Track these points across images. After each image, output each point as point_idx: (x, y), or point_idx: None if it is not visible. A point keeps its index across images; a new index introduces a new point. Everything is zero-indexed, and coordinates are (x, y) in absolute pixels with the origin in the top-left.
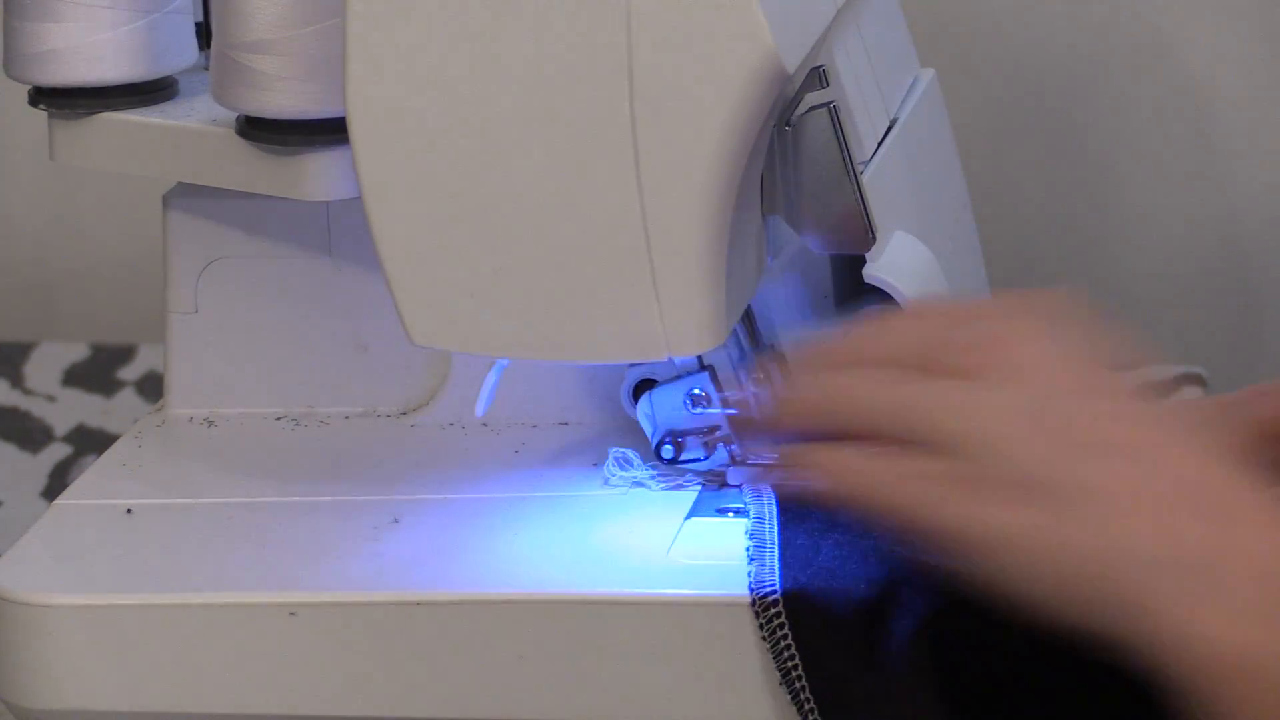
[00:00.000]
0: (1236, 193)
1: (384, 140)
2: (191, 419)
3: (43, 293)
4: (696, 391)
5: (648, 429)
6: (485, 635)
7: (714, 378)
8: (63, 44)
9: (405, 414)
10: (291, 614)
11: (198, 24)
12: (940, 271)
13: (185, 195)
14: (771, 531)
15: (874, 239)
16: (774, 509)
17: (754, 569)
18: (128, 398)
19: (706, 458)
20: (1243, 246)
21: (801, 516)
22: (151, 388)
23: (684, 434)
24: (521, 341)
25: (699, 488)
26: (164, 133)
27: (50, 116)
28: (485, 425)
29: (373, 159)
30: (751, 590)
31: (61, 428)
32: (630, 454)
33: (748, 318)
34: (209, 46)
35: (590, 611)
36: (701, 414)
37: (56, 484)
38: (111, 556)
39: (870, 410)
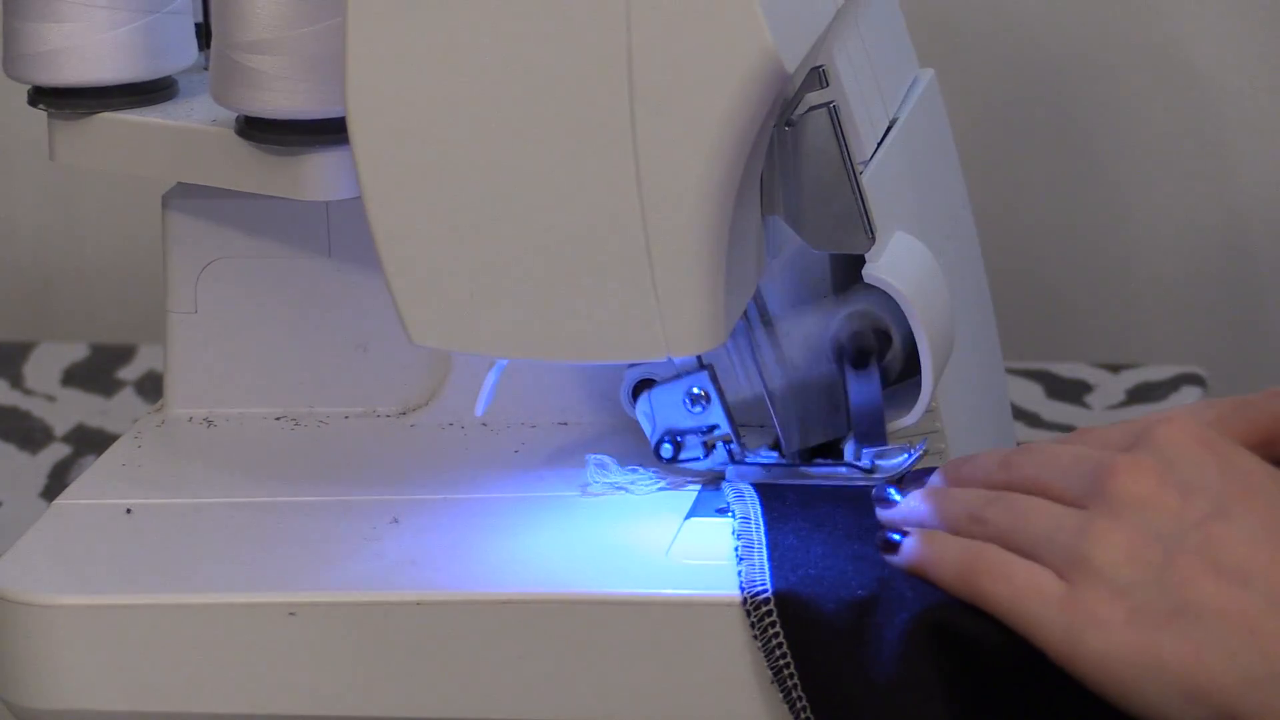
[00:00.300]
0: (1236, 193)
1: (384, 140)
2: (191, 419)
3: (42, 293)
4: (696, 391)
5: (647, 428)
6: (485, 635)
7: (713, 377)
8: (62, 44)
9: (405, 414)
10: (291, 614)
11: (197, 24)
12: (939, 271)
13: (185, 195)
14: (759, 532)
15: (873, 239)
16: (759, 509)
17: (744, 569)
18: (127, 398)
19: (706, 457)
20: (1242, 247)
21: (787, 517)
22: (151, 388)
23: (683, 433)
24: (521, 341)
25: (698, 488)
26: (164, 133)
27: (50, 117)
28: (485, 425)
29: (372, 159)
30: (743, 590)
31: (61, 428)
32: (606, 459)
33: (746, 317)
34: (209, 46)
35: (590, 611)
36: (701, 413)
37: (56, 484)
38: (111, 557)
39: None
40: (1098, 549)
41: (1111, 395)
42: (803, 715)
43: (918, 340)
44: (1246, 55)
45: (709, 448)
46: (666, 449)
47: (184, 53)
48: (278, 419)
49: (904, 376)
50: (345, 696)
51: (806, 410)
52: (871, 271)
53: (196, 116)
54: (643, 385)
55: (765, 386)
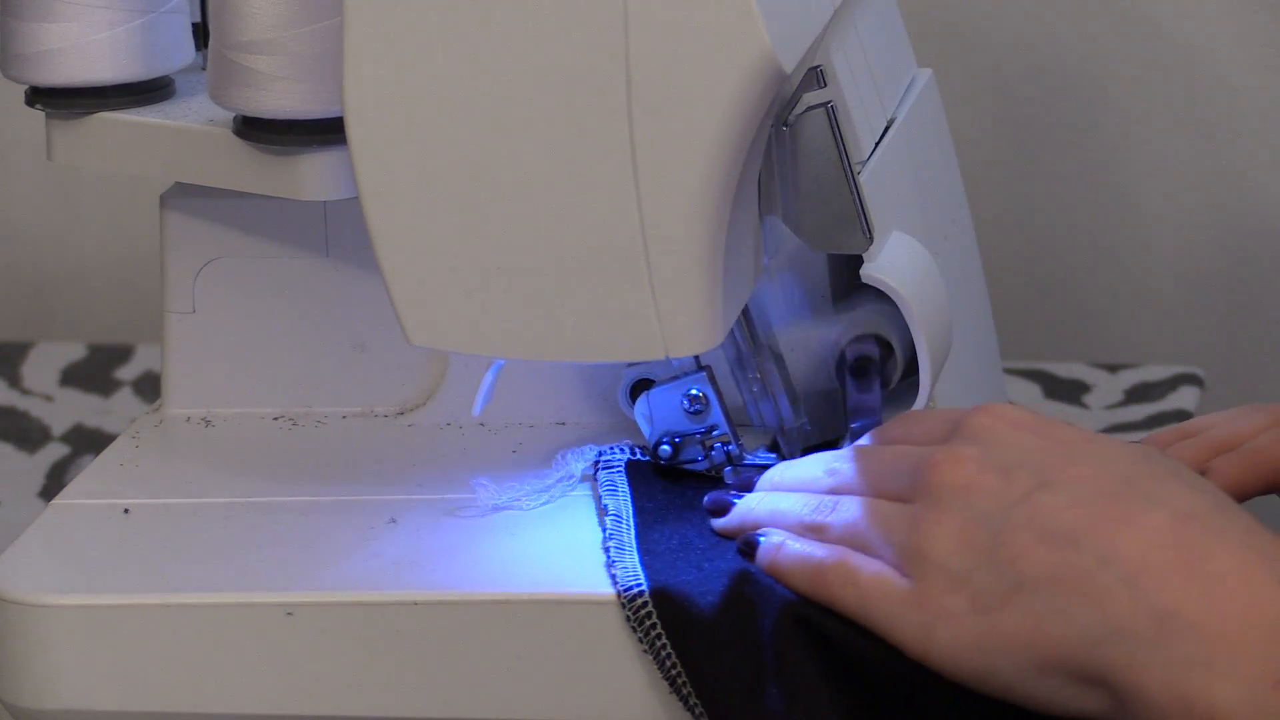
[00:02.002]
0: (1235, 193)
1: (381, 140)
2: (189, 419)
3: (40, 292)
4: (694, 392)
5: (645, 430)
6: (483, 635)
7: (711, 378)
8: (60, 44)
9: (402, 414)
10: (289, 614)
11: (195, 24)
12: (937, 271)
13: (182, 195)
14: (630, 533)
15: (871, 239)
16: (630, 507)
17: (619, 573)
18: (125, 398)
19: (704, 458)
20: (1241, 247)
21: (660, 512)
22: (149, 388)
23: (682, 435)
24: (519, 341)
25: (586, 489)
26: (161, 133)
27: (47, 117)
28: (482, 425)
29: (370, 159)
30: (618, 591)
31: (59, 427)
32: (485, 480)
33: (745, 317)
34: (206, 46)
35: (589, 611)
36: (699, 415)
37: (54, 484)
38: (109, 557)
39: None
40: (931, 542)
41: (1110, 395)
42: (696, 710)
43: (915, 340)
44: (1246, 55)
45: (707, 449)
46: (665, 450)
47: (181, 52)
48: (276, 419)
49: (902, 376)
50: (343, 696)
51: (805, 410)
52: (869, 271)
53: (194, 116)
54: (641, 385)
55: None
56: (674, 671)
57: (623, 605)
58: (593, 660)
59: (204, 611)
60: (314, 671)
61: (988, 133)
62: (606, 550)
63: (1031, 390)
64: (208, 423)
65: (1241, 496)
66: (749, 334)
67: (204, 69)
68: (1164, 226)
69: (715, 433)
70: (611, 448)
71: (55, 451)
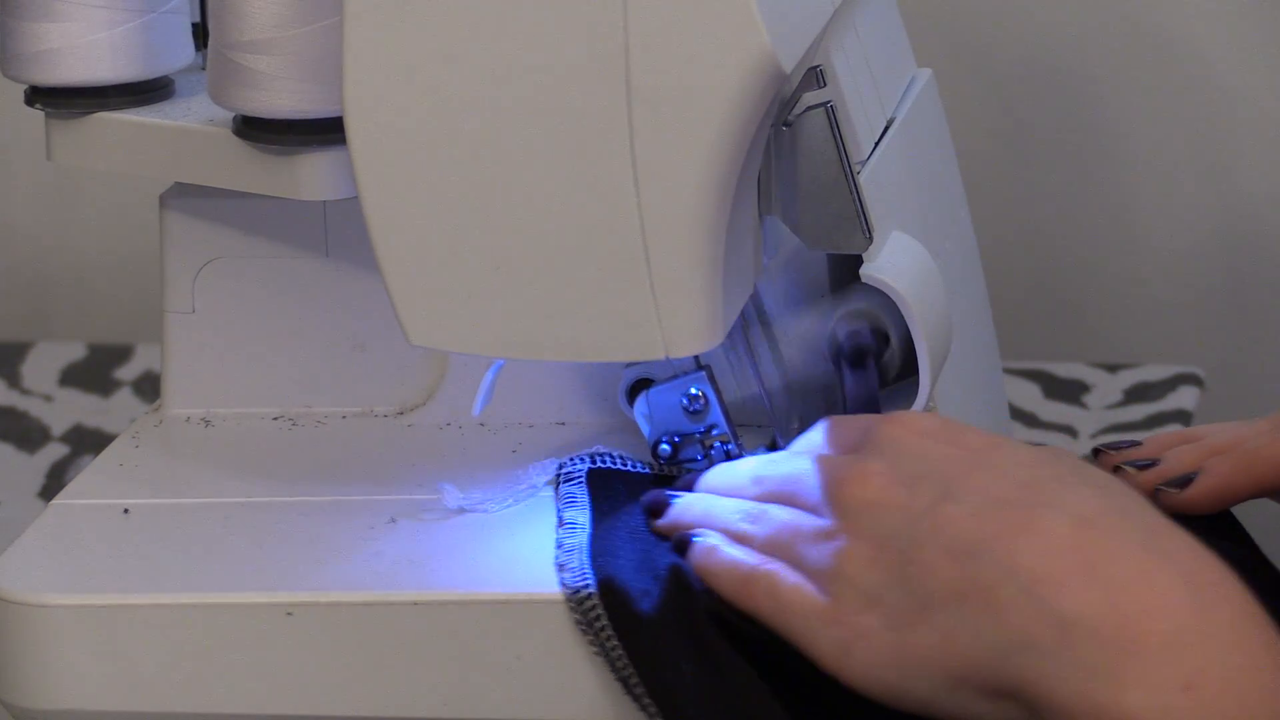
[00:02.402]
0: (1235, 193)
1: (381, 140)
2: (189, 419)
3: (40, 292)
4: (694, 391)
5: (645, 429)
6: (482, 635)
7: (711, 378)
8: (59, 44)
9: (402, 414)
10: (288, 614)
11: (194, 24)
12: (937, 271)
13: (182, 195)
14: (584, 538)
15: (870, 239)
16: (589, 515)
17: (567, 576)
18: (125, 397)
19: (703, 458)
20: (1241, 247)
21: (619, 518)
22: (148, 387)
23: (681, 434)
24: (518, 341)
25: (550, 492)
26: (161, 132)
27: (47, 116)
28: (482, 425)
29: (370, 159)
30: (564, 587)
31: (58, 427)
32: (450, 486)
33: (744, 317)
34: (206, 46)
35: None
36: (699, 414)
37: (54, 484)
38: (108, 556)
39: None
40: (845, 561)
41: (1109, 395)
42: (643, 700)
43: (915, 340)
44: (1246, 55)
45: (707, 448)
46: (664, 449)
47: (181, 52)
48: (275, 419)
49: (902, 376)
50: (342, 696)
51: (804, 410)
52: (869, 271)
53: (194, 116)
54: (640, 385)
55: (763, 387)
56: (625, 672)
57: (571, 606)
58: (593, 660)
59: (204, 611)
60: (314, 671)
61: (988, 133)
62: (557, 555)
63: (1031, 390)
64: (208, 423)
65: (1234, 498)
66: (748, 334)
67: (204, 69)
68: (1164, 227)
69: (715, 432)
70: (573, 458)
71: (55, 451)
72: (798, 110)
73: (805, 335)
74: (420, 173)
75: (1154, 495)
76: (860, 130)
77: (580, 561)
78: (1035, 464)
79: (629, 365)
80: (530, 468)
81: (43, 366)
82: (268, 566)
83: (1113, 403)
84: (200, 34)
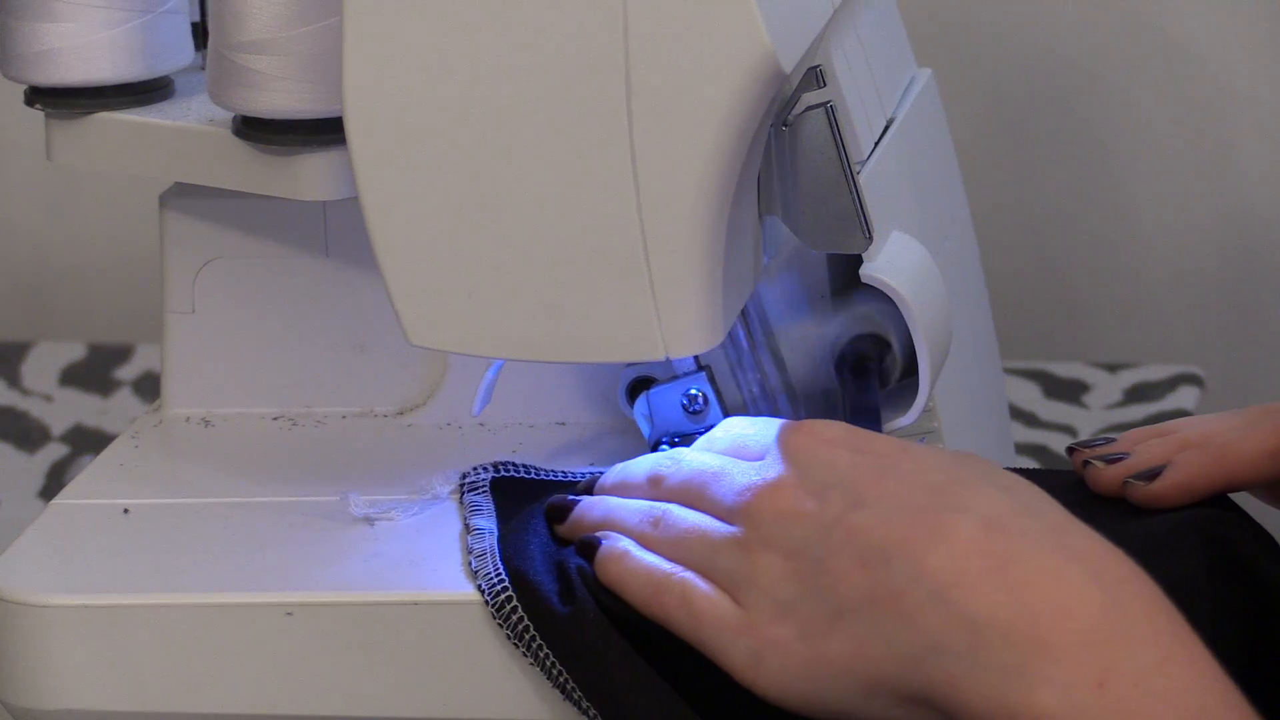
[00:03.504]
0: (1235, 192)
1: (381, 140)
2: (188, 419)
3: (40, 292)
4: (694, 392)
5: (645, 429)
6: (482, 636)
7: (711, 378)
8: (59, 44)
9: (402, 414)
10: (288, 614)
11: (194, 24)
12: (937, 271)
13: (182, 195)
14: (493, 542)
15: (870, 239)
16: (494, 523)
17: (482, 582)
18: (125, 398)
19: None
20: (1241, 247)
21: (525, 523)
22: (148, 387)
23: (681, 435)
24: (518, 341)
25: (457, 499)
26: (161, 133)
27: (47, 116)
28: (482, 425)
29: (370, 159)
30: (484, 595)
31: (59, 427)
32: (354, 495)
33: (745, 317)
34: (206, 46)
35: None
36: (699, 415)
37: (53, 484)
38: (108, 557)
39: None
40: (757, 572)
41: (1109, 395)
42: (573, 694)
43: (915, 340)
44: (1247, 55)
45: None
46: (665, 449)
47: (180, 52)
48: (275, 419)
49: (902, 376)
50: (342, 696)
51: (805, 411)
52: (869, 271)
53: (193, 116)
54: (639, 385)
55: (763, 388)
56: (558, 675)
57: (491, 608)
58: None
59: (203, 611)
60: (314, 671)
61: (988, 133)
62: (472, 561)
63: (1031, 390)
64: (207, 423)
65: (1203, 491)
66: (749, 334)
67: (204, 69)
68: (1164, 226)
69: None
70: (475, 468)
71: (55, 451)
72: (798, 110)
73: (806, 337)
74: (420, 173)
75: (1122, 489)
76: (860, 130)
77: (494, 565)
78: (944, 468)
79: (629, 365)
80: (434, 477)
81: (43, 366)
82: (267, 566)
83: (1113, 403)
84: (200, 34)
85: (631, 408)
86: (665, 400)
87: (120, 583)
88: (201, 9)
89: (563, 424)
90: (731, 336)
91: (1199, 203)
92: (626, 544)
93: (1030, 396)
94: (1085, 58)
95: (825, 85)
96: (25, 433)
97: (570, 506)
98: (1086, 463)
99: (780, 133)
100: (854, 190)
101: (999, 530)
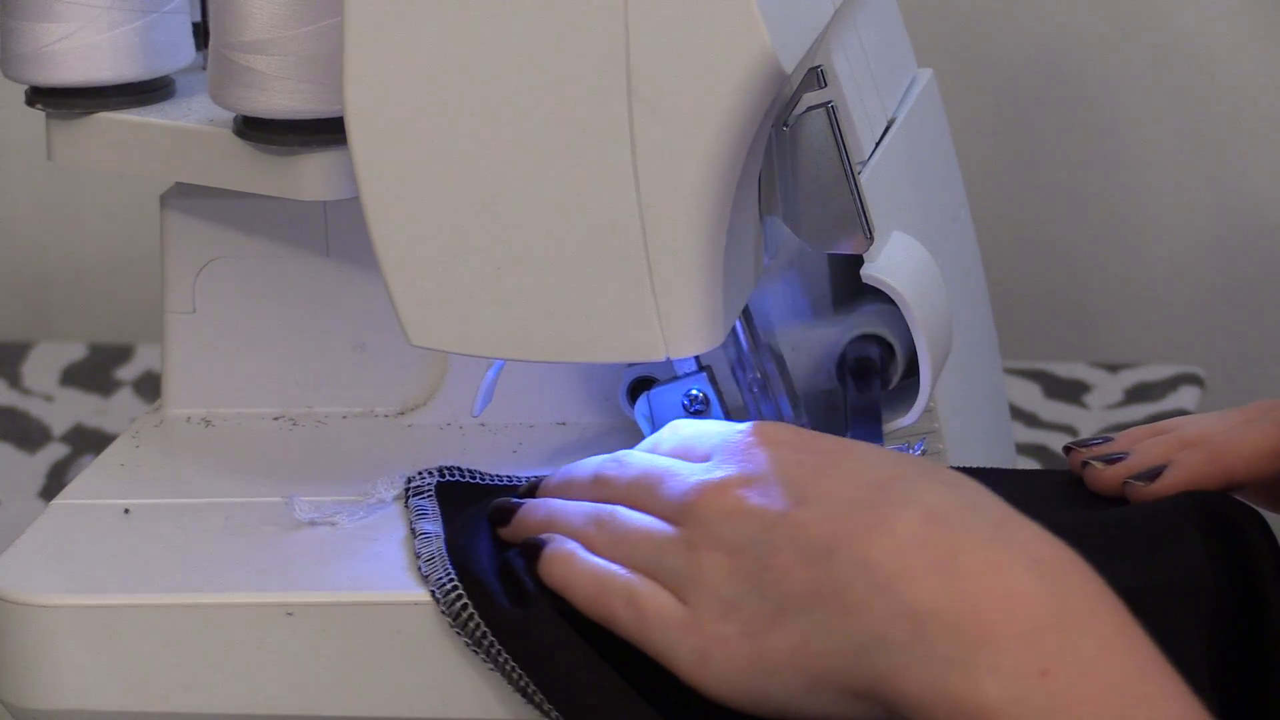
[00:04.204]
0: (1235, 193)
1: (382, 140)
2: (189, 419)
3: (40, 292)
4: (694, 392)
5: (646, 430)
6: None
7: (711, 378)
8: (60, 44)
9: (403, 414)
10: (289, 614)
11: (194, 24)
12: (938, 271)
13: (183, 195)
14: (440, 545)
15: (871, 239)
16: (440, 528)
17: (435, 590)
18: (125, 397)
19: None
20: (1242, 247)
21: (472, 527)
22: (149, 387)
23: None
24: (519, 342)
25: (403, 502)
26: (161, 133)
27: (47, 116)
28: (483, 425)
29: (370, 159)
30: (436, 596)
31: (59, 427)
32: (298, 499)
33: (745, 317)
34: (206, 46)
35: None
36: (700, 415)
37: (54, 484)
38: (109, 557)
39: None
40: (703, 571)
41: (1110, 395)
42: (527, 689)
43: (916, 340)
44: (1247, 55)
45: None
46: None
47: (181, 52)
48: (276, 419)
49: (902, 376)
50: (342, 696)
51: (806, 411)
52: (869, 271)
53: (194, 116)
54: (640, 385)
55: (764, 388)
56: (518, 678)
57: (446, 614)
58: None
59: (204, 611)
60: (314, 671)
61: (988, 133)
62: (421, 566)
63: (1031, 390)
64: (208, 423)
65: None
66: (749, 334)
67: (204, 69)
68: (1164, 226)
69: None
70: (421, 472)
71: (55, 451)
72: (798, 110)
73: (807, 337)
74: (420, 173)
75: (1122, 489)
76: (861, 130)
77: (444, 568)
78: (886, 465)
79: (629, 365)
80: (378, 482)
81: (43, 366)
82: (268, 566)
83: (1113, 403)
84: (200, 34)
85: (632, 408)
86: (666, 400)
87: (120, 583)
88: (202, 9)
89: (563, 424)
90: (732, 336)
91: (1199, 203)
92: (571, 546)
93: (1030, 396)
94: (1086, 58)
95: (826, 85)
96: (25, 433)
97: (514, 509)
98: (1085, 463)
99: (781, 133)
100: (855, 190)
101: (942, 523)
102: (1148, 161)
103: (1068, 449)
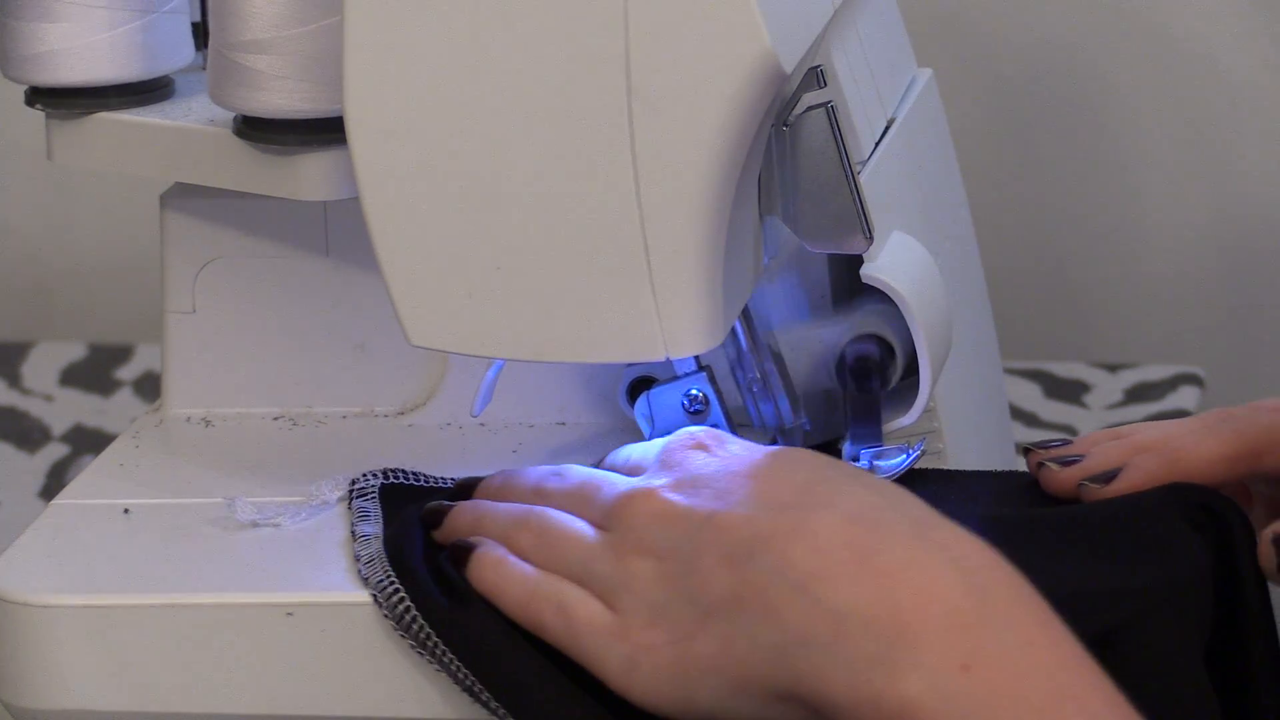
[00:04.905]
0: (1235, 193)
1: (381, 140)
2: (189, 419)
3: (40, 292)
4: (694, 392)
5: (645, 430)
6: None
7: (711, 378)
8: (59, 44)
9: (403, 414)
10: (289, 614)
11: (194, 24)
12: (937, 271)
13: (182, 195)
14: (379, 545)
15: (871, 239)
16: (381, 529)
17: (376, 592)
18: (125, 397)
19: None
20: (1242, 247)
21: (413, 529)
22: (149, 387)
23: None
24: (519, 342)
25: (347, 504)
26: (161, 133)
27: (47, 117)
28: (482, 425)
29: (370, 159)
30: (376, 598)
31: (59, 427)
32: (241, 500)
33: (745, 317)
34: (206, 46)
35: None
36: (699, 415)
37: (54, 484)
38: (109, 557)
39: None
40: (630, 577)
41: (1110, 395)
42: (468, 683)
43: (915, 340)
44: (1246, 55)
45: None
46: None
47: (181, 52)
48: (276, 419)
49: (902, 376)
50: (342, 696)
51: (806, 411)
52: (869, 271)
53: (194, 116)
54: (639, 385)
55: (764, 388)
56: (464, 678)
57: (390, 617)
58: None
59: (204, 611)
60: (314, 671)
61: (988, 133)
62: (360, 568)
63: (1031, 390)
64: (208, 423)
65: None
66: (749, 334)
67: (203, 69)
68: (1164, 226)
69: None
70: (365, 474)
71: (55, 451)
72: (798, 110)
73: (806, 337)
74: (420, 173)
75: (1078, 490)
76: (860, 130)
77: (384, 569)
78: (809, 468)
79: (629, 365)
80: (323, 483)
81: (43, 366)
82: (268, 566)
83: (1113, 403)
84: (200, 34)
85: (632, 408)
86: (666, 400)
87: (121, 583)
88: (201, 9)
89: (563, 424)
90: (732, 336)
91: (1199, 202)
92: (500, 551)
93: (1030, 396)
94: (1085, 58)
95: (826, 85)
96: (25, 433)
97: (446, 510)
98: (1041, 464)
99: (781, 133)
100: (854, 190)
101: (861, 524)
102: (1147, 161)
103: (1026, 450)
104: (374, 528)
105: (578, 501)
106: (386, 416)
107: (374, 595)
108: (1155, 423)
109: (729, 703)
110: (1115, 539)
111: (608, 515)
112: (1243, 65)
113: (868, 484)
